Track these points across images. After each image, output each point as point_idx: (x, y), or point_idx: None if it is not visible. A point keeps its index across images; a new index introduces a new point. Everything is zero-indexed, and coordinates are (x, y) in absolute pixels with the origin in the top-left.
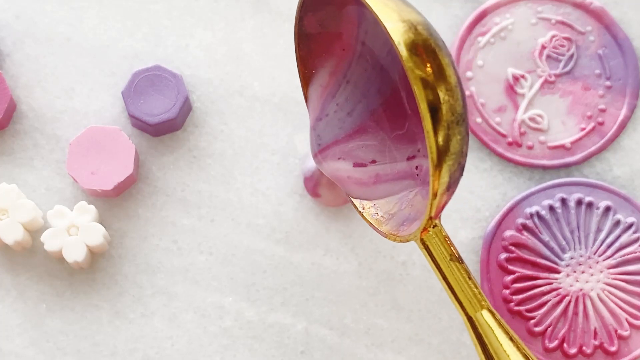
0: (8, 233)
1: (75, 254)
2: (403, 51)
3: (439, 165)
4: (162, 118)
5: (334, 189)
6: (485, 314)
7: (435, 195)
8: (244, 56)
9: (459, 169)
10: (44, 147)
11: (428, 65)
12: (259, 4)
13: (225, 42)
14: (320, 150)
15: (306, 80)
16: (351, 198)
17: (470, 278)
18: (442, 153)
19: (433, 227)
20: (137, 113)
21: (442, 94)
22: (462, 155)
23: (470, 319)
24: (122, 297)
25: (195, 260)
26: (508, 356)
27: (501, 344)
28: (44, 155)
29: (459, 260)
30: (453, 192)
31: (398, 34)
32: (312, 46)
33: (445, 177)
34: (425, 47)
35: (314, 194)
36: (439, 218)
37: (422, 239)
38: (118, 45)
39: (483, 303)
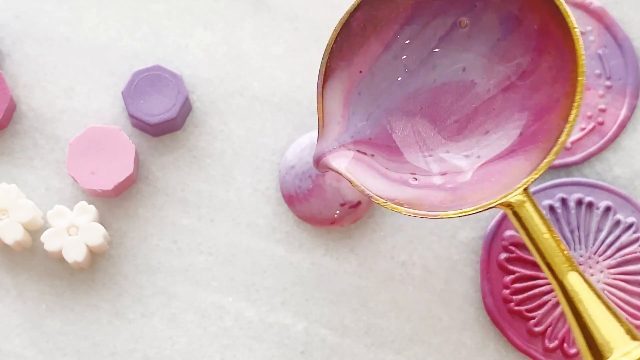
0: (8, 233)
1: (75, 254)
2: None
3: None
4: (162, 118)
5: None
6: (573, 276)
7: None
8: (243, 56)
9: None
10: (44, 147)
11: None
12: (259, 4)
13: (225, 42)
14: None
15: (327, 75)
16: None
17: (560, 245)
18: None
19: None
20: (137, 113)
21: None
22: None
23: (560, 283)
24: (121, 297)
25: (195, 260)
26: (594, 319)
27: (591, 305)
28: (43, 155)
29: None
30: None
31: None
32: (351, 41)
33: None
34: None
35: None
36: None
37: (510, 205)
38: (118, 45)
39: (570, 267)
